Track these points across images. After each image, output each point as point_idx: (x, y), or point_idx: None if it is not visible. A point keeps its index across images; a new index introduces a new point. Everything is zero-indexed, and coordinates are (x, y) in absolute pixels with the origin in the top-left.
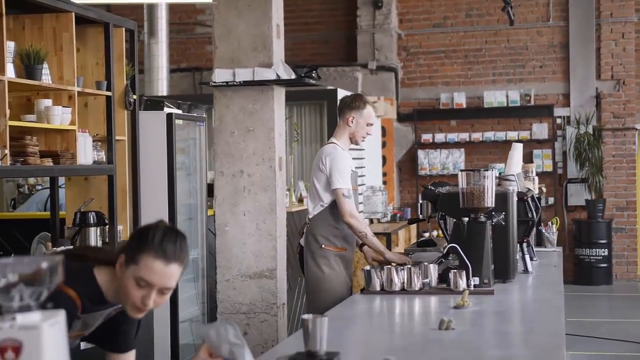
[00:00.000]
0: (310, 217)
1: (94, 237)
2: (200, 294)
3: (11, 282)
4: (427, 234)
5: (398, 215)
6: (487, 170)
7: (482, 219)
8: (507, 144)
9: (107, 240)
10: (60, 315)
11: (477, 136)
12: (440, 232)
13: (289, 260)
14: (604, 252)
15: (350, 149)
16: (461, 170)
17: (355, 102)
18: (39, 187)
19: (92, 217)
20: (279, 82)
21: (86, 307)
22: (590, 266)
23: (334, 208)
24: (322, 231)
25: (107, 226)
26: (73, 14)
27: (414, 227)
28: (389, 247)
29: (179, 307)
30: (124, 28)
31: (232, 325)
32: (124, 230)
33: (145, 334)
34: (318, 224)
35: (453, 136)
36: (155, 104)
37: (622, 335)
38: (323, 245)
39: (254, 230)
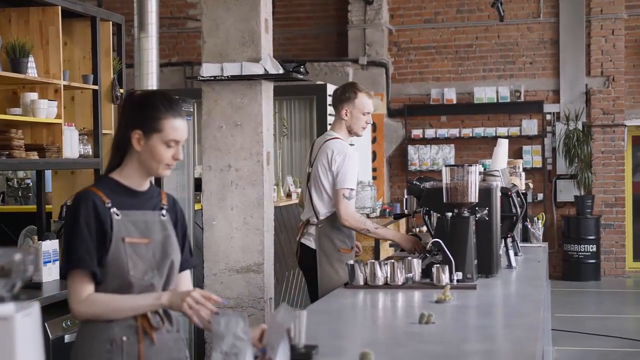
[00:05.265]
0: (321, 217)
1: None
2: None
3: None
4: (416, 229)
5: (388, 210)
6: (471, 165)
7: (466, 214)
8: (496, 140)
9: None
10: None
11: (467, 132)
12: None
13: (277, 254)
14: (592, 248)
15: None
16: (445, 166)
17: (346, 93)
18: (29, 182)
19: None
20: (266, 76)
21: (115, 201)
22: (579, 262)
23: None
24: (337, 234)
25: None
26: (59, 7)
27: (403, 222)
28: (377, 242)
29: None
30: (111, 22)
31: (244, 320)
32: None
33: None
34: (332, 225)
35: (443, 132)
36: None
37: (609, 331)
38: (340, 249)
39: (241, 224)
